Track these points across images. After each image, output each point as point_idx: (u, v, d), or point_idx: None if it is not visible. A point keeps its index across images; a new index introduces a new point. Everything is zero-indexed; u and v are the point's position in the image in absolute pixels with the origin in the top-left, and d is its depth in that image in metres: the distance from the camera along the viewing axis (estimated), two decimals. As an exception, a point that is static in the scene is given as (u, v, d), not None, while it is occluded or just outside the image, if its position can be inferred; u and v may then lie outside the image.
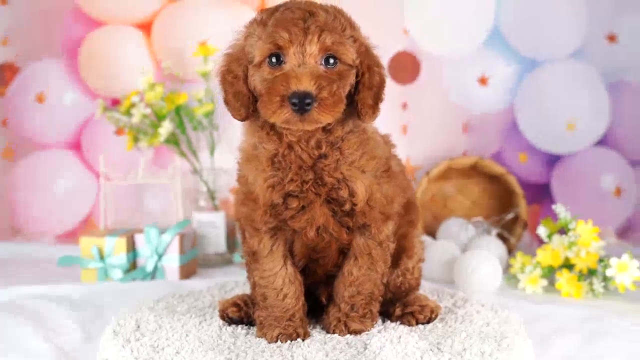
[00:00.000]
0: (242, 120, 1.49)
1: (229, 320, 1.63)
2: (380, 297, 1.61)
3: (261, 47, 1.40)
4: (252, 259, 1.54)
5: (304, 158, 1.46)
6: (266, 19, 1.43)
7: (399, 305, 1.67)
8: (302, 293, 1.57)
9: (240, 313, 1.63)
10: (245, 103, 1.46)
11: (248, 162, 1.52)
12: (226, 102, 1.49)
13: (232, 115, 1.48)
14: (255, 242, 1.52)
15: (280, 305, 1.52)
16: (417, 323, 1.63)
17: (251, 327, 1.60)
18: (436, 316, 1.67)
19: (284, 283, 1.53)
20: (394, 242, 1.59)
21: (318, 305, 1.64)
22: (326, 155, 1.46)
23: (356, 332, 1.55)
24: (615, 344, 1.66)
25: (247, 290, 1.78)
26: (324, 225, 1.49)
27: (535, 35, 2.70)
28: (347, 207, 1.48)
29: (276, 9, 1.44)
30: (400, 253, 1.66)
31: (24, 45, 2.94)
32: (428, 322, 1.64)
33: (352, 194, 1.47)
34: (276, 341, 1.49)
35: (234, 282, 2.03)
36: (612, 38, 2.79)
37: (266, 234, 1.51)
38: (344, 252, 1.57)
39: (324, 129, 1.45)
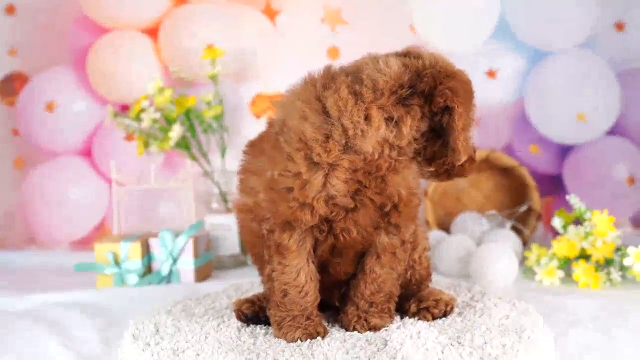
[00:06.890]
0: None
1: (245, 317, 1.62)
2: (396, 297, 1.61)
3: None
4: (276, 251, 1.51)
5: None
6: None
7: (414, 301, 1.66)
8: (318, 291, 1.56)
9: (255, 307, 1.62)
10: None
11: (308, 160, 1.43)
12: None
13: None
14: (286, 236, 1.49)
15: (300, 303, 1.51)
16: (433, 318, 1.63)
17: (270, 327, 1.59)
18: (451, 309, 1.66)
19: (306, 280, 1.51)
20: (411, 242, 1.60)
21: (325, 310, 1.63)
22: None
23: (376, 327, 1.54)
24: (634, 334, 1.65)
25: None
26: (364, 226, 1.49)
27: (543, 26, 2.68)
28: (388, 208, 1.49)
29: None
30: None
31: (32, 54, 2.96)
32: (444, 316, 1.64)
33: (400, 196, 1.48)
34: (296, 341, 1.49)
35: (250, 283, 2.03)
36: (619, 26, 2.77)
37: (298, 229, 1.48)
38: (357, 260, 1.56)
39: None
